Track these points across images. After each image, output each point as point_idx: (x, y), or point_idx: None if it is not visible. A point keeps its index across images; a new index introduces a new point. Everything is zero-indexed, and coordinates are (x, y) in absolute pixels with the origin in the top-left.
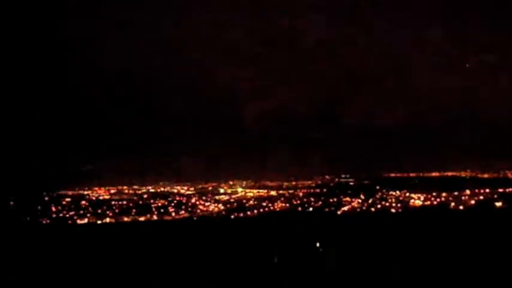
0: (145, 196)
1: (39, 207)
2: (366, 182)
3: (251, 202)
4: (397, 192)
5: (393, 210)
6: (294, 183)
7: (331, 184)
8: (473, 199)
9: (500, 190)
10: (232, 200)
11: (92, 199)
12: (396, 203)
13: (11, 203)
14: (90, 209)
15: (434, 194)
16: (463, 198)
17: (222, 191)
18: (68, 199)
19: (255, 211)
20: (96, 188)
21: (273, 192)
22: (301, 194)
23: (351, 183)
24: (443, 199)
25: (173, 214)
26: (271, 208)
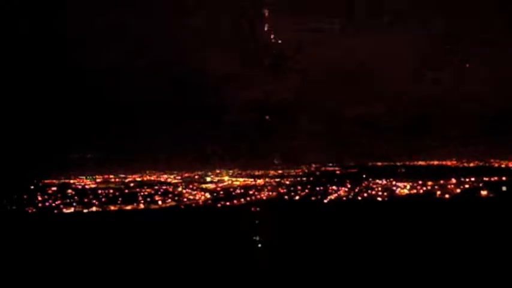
0: (131, 185)
1: (24, 196)
2: (352, 170)
3: (238, 191)
4: (384, 181)
5: (379, 199)
6: (280, 172)
7: (318, 173)
8: (459, 188)
9: (486, 179)
10: (218, 189)
11: (78, 188)
12: (382, 191)
13: None
14: (76, 197)
15: (420, 182)
16: (448, 187)
17: (208, 179)
18: (54, 188)
19: (242, 200)
20: (83, 177)
21: (260, 181)
22: (287, 183)
23: (338, 172)
24: (429, 188)
25: (160, 203)
26: (258, 197)
